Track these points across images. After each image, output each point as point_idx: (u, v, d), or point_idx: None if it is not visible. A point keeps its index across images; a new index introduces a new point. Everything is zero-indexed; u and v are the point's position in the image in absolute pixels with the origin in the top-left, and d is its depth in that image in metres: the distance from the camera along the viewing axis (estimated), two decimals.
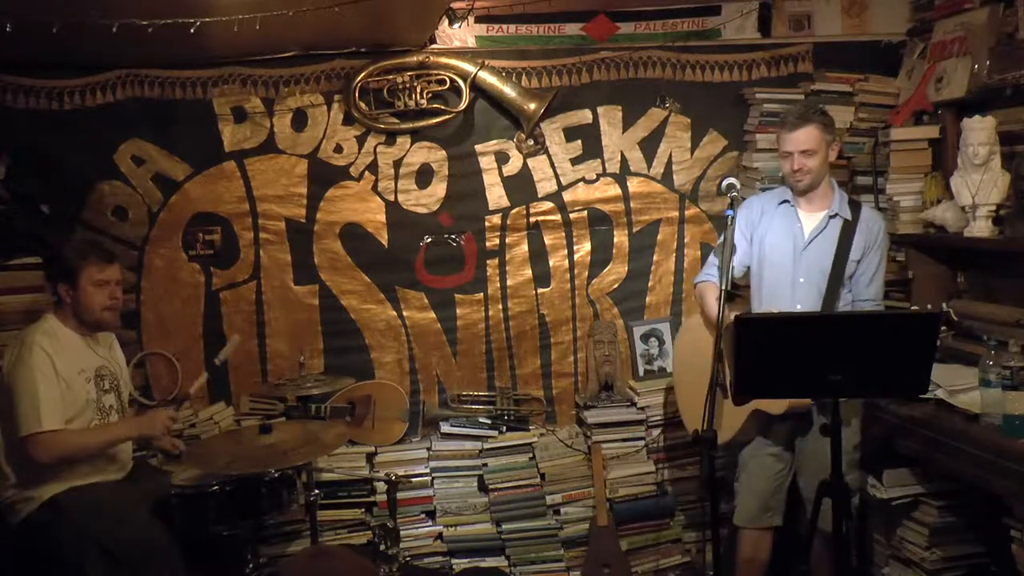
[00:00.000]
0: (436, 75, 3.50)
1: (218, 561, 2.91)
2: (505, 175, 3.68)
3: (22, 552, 2.68)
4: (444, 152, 3.63)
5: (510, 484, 3.57)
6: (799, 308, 2.91)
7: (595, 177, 3.72)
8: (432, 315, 3.71)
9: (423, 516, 3.56)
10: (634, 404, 3.64)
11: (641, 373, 3.77)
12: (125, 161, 3.47)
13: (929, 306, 3.07)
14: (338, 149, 3.59)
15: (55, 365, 2.67)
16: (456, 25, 3.41)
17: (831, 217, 2.92)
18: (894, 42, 3.66)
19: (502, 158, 3.68)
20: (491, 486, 3.56)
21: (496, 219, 3.70)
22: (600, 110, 3.68)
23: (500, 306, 3.74)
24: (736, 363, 2.32)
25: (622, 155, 3.72)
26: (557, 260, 3.75)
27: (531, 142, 3.65)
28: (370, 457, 3.58)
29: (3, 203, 3.18)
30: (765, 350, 2.31)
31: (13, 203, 3.21)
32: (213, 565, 2.90)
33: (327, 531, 3.43)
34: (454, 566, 3.52)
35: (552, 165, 3.69)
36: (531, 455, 3.62)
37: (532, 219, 3.72)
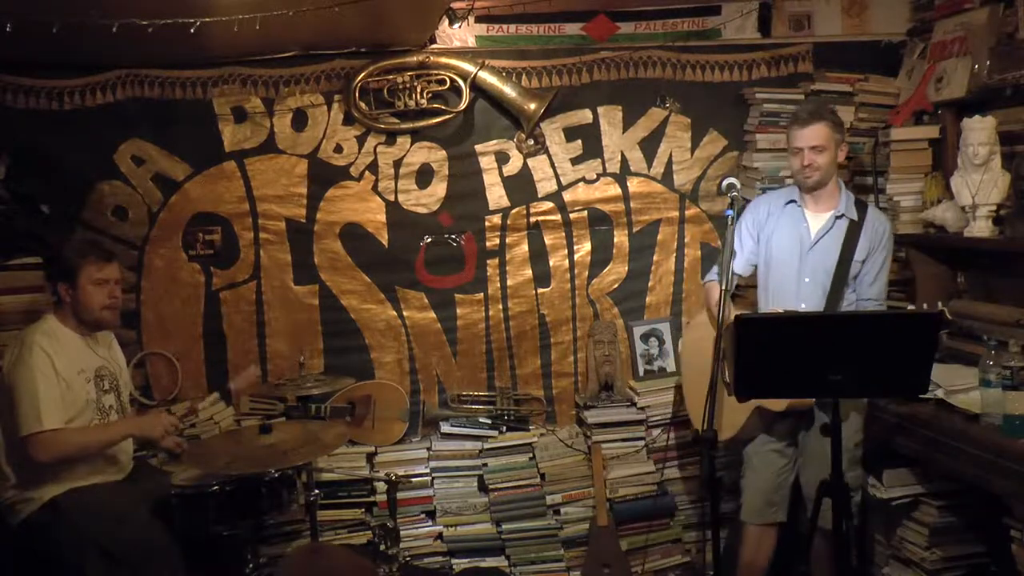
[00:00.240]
0: (436, 75, 3.50)
1: (218, 561, 2.91)
2: (505, 175, 3.68)
3: (22, 553, 2.68)
4: (444, 152, 3.63)
5: (510, 484, 3.57)
6: (803, 307, 2.91)
7: (595, 177, 3.72)
8: (432, 315, 3.71)
9: (423, 516, 3.56)
10: (634, 404, 3.64)
11: (641, 373, 3.77)
12: (125, 161, 3.47)
13: (925, 306, 3.08)
14: (338, 149, 3.59)
15: (55, 365, 2.67)
16: (456, 25, 3.41)
17: (837, 218, 2.92)
18: (894, 42, 3.66)
19: (502, 158, 3.68)
20: (491, 486, 3.56)
21: (496, 219, 3.70)
22: (600, 110, 3.68)
23: (500, 306, 3.74)
24: (736, 363, 2.32)
25: (622, 155, 3.72)
26: (557, 260, 3.75)
27: (531, 142, 3.65)
28: (370, 457, 3.58)
29: (3, 203, 3.18)
30: (765, 350, 2.31)
31: (13, 203, 3.21)
32: (213, 565, 2.90)
33: (327, 531, 3.43)
34: (454, 566, 3.52)
35: (552, 165, 3.69)
36: (531, 455, 3.62)
37: (532, 219, 3.72)
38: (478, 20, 3.55)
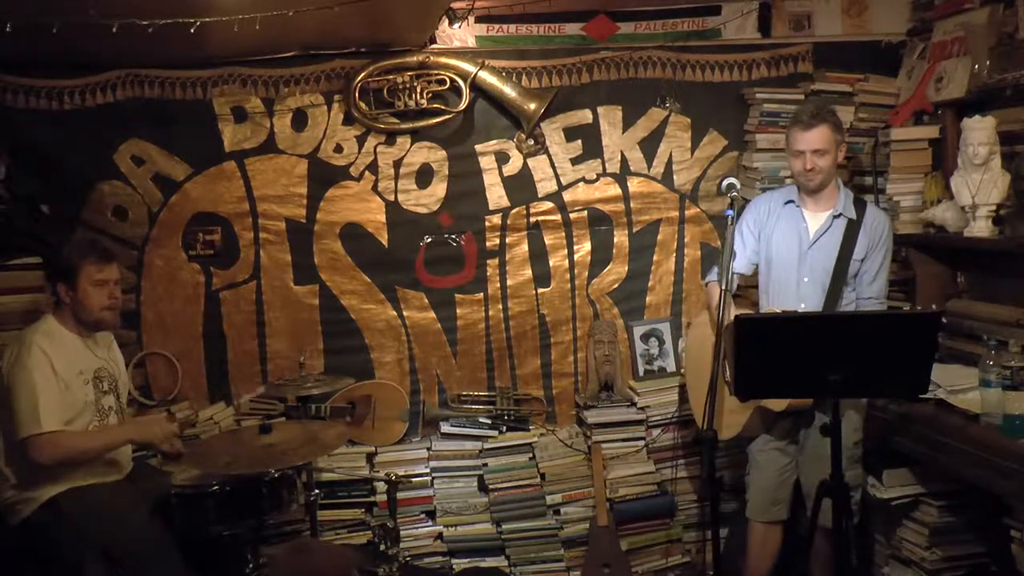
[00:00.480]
0: (436, 75, 3.50)
1: (218, 561, 2.91)
2: (505, 175, 3.68)
3: (22, 553, 2.68)
4: (444, 152, 3.63)
5: (510, 484, 3.57)
6: (803, 307, 2.92)
7: (595, 177, 3.72)
8: (432, 315, 3.70)
9: (423, 516, 3.56)
10: (634, 404, 3.64)
11: (641, 373, 3.77)
12: (125, 161, 3.47)
13: (919, 307, 3.08)
14: (338, 149, 3.59)
15: (54, 366, 2.67)
16: (456, 25, 3.41)
17: (835, 217, 2.93)
18: (894, 42, 3.66)
19: (502, 158, 3.67)
20: (491, 486, 3.56)
21: (496, 219, 3.70)
22: (600, 110, 3.68)
23: (500, 306, 3.74)
24: (736, 363, 2.32)
25: (622, 155, 3.72)
26: (557, 260, 3.75)
27: (531, 142, 3.65)
28: (370, 457, 3.58)
29: (3, 203, 3.18)
30: (765, 350, 2.32)
31: (13, 203, 3.21)
32: (213, 565, 2.90)
33: (327, 531, 3.43)
34: (454, 566, 3.52)
35: (552, 165, 3.69)
36: (531, 455, 3.62)
37: (532, 219, 3.72)
38: (478, 20, 3.55)
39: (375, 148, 3.60)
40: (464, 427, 3.64)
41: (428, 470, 3.58)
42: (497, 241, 3.71)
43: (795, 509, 3.11)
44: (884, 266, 2.93)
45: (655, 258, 3.78)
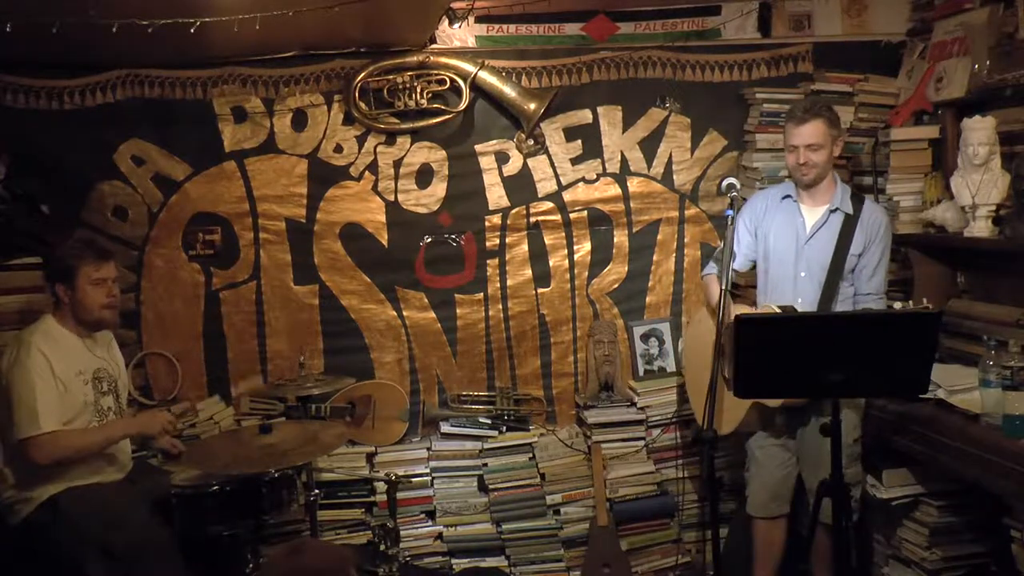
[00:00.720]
0: (436, 75, 3.50)
1: (218, 561, 2.91)
2: (505, 175, 3.68)
3: (21, 553, 2.68)
4: (444, 152, 3.63)
5: (510, 484, 3.57)
6: (800, 302, 2.92)
7: (595, 177, 3.72)
8: (432, 315, 3.70)
9: (423, 516, 3.56)
10: (634, 404, 3.64)
11: (641, 373, 3.77)
12: (125, 161, 3.47)
13: (911, 303, 3.08)
14: (338, 149, 3.59)
15: (53, 367, 2.67)
16: (456, 25, 3.41)
17: (832, 212, 2.93)
18: (894, 42, 3.65)
19: (502, 158, 3.67)
20: (491, 486, 3.56)
21: (496, 219, 3.70)
22: (600, 110, 3.68)
23: (500, 306, 3.74)
24: (736, 363, 2.32)
25: (622, 155, 3.72)
26: (557, 260, 3.75)
27: (531, 142, 3.65)
28: (370, 457, 3.58)
29: (3, 203, 3.18)
30: (765, 350, 2.31)
31: (13, 203, 3.21)
32: (213, 565, 2.90)
33: (327, 531, 3.43)
34: (454, 566, 3.52)
35: (552, 165, 3.69)
36: (531, 455, 3.62)
37: (532, 219, 3.72)
38: (478, 20, 3.55)
39: (375, 148, 3.60)
40: (464, 427, 3.64)
41: (428, 470, 3.58)
42: (497, 241, 3.71)
43: (796, 507, 3.11)
44: (883, 262, 2.93)
45: (655, 258, 3.78)
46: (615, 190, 3.73)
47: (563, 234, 3.74)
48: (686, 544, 3.64)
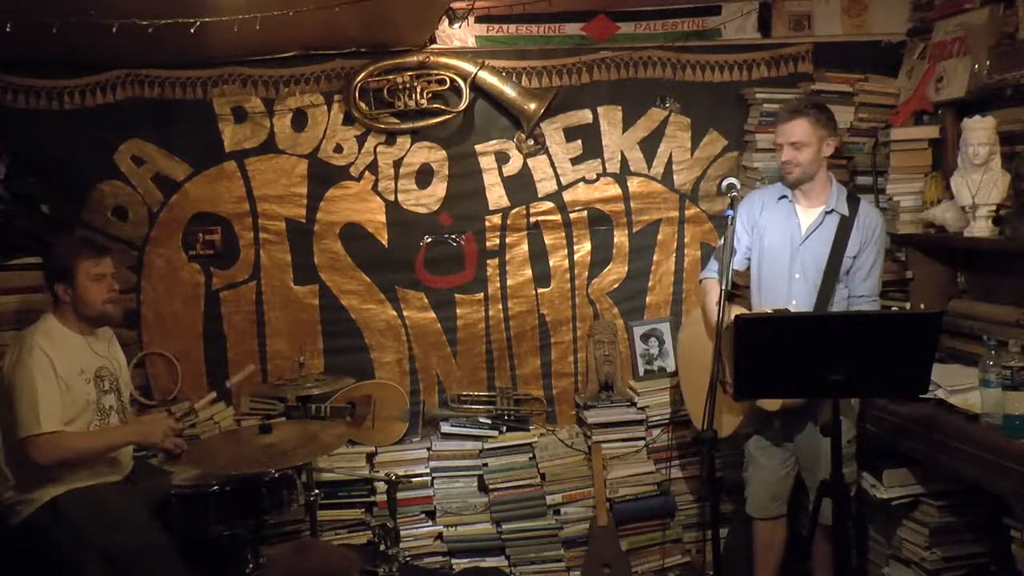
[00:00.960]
0: (436, 75, 3.50)
1: (218, 561, 2.91)
2: (505, 175, 3.68)
3: (22, 553, 2.68)
4: (444, 152, 3.63)
5: (510, 484, 3.57)
6: (795, 304, 2.91)
7: (595, 177, 3.72)
8: (432, 315, 3.70)
9: (423, 516, 3.56)
10: (634, 404, 3.64)
11: (641, 373, 3.77)
12: (125, 161, 3.47)
13: (922, 305, 3.08)
14: (338, 149, 3.59)
15: (54, 366, 2.67)
16: (456, 25, 3.41)
17: (827, 213, 2.93)
18: (894, 42, 3.65)
19: (502, 158, 3.67)
20: (491, 486, 3.56)
21: (496, 219, 3.70)
22: (600, 110, 3.68)
23: (500, 306, 3.74)
24: (736, 363, 2.32)
25: (622, 155, 3.72)
26: (557, 260, 3.75)
27: (531, 142, 3.65)
28: (370, 457, 3.58)
29: (3, 203, 3.18)
30: (766, 350, 2.31)
31: (13, 203, 3.21)
32: (213, 565, 2.90)
33: (327, 531, 3.43)
34: (454, 566, 3.52)
35: (552, 165, 3.69)
36: (531, 455, 3.62)
37: (532, 219, 3.72)
38: (478, 20, 3.55)
39: (375, 148, 3.60)
40: (464, 427, 3.64)
41: (428, 470, 3.59)
42: (497, 241, 3.71)
43: (796, 508, 3.11)
44: (877, 263, 2.93)
45: (655, 258, 3.78)
46: (615, 190, 3.73)
47: (563, 234, 3.74)
48: (686, 544, 3.65)
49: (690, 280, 3.78)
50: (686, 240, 3.78)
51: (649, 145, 3.72)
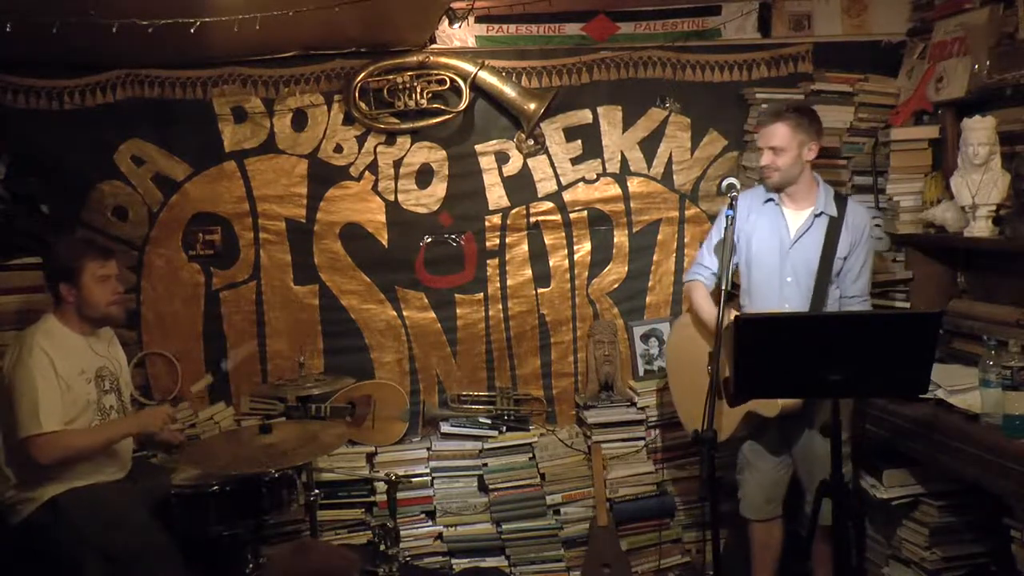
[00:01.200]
0: (436, 75, 3.50)
1: (218, 561, 2.91)
2: (505, 175, 3.68)
3: (22, 553, 2.68)
4: (444, 152, 3.63)
5: (510, 484, 3.57)
6: (787, 307, 2.90)
7: (595, 177, 3.72)
8: (432, 315, 3.70)
9: (423, 516, 3.56)
10: (634, 404, 3.64)
11: (641, 373, 3.77)
12: (125, 161, 3.47)
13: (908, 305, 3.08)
14: (338, 149, 3.59)
15: (55, 366, 2.67)
16: (456, 25, 3.41)
17: (816, 216, 2.91)
18: (894, 42, 3.65)
19: (502, 158, 3.68)
20: (491, 486, 3.56)
21: (496, 219, 3.70)
22: (600, 110, 3.68)
23: (500, 306, 3.74)
24: (736, 363, 2.32)
25: (622, 155, 3.72)
26: (557, 260, 3.75)
27: (531, 142, 3.65)
28: (370, 457, 3.58)
29: (3, 203, 3.18)
30: (765, 350, 2.31)
31: (13, 203, 3.21)
32: (213, 565, 2.90)
33: (327, 531, 3.44)
34: (454, 566, 3.52)
35: (552, 165, 3.69)
36: (531, 455, 3.62)
37: (532, 219, 3.72)
38: (478, 20, 3.55)
39: (375, 148, 3.60)
40: (464, 427, 3.64)
41: (428, 470, 3.59)
42: (497, 241, 3.71)
43: (795, 512, 3.11)
44: (867, 263, 2.92)
45: (655, 258, 3.78)
46: (615, 190, 3.73)
47: (563, 234, 3.74)
48: (686, 544, 3.65)
49: None
50: (686, 240, 3.78)
51: (649, 145, 3.72)
